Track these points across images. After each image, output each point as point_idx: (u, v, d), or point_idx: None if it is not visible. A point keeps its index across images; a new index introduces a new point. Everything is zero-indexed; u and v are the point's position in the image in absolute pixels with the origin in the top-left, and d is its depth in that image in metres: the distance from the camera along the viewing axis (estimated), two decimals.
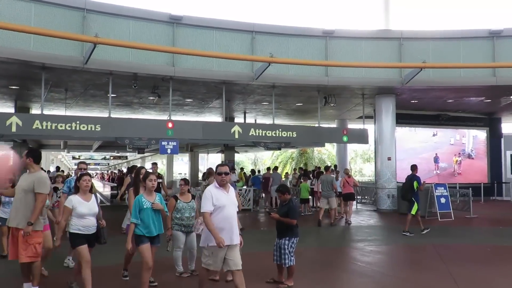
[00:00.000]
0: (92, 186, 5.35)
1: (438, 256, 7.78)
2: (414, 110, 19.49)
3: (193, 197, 6.39)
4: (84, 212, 5.06)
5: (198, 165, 28.96)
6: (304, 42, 13.91)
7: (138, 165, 12.24)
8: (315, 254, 8.19)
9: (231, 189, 4.77)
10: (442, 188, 13.64)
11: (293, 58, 13.28)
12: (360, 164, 37.89)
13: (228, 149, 22.67)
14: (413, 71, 13.27)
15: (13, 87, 14.22)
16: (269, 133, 14.02)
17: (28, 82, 13.46)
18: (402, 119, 19.41)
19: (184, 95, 15.85)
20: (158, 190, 11.29)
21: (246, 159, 54.24)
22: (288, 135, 14.30)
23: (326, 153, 30.62)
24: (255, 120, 21.80)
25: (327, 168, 14.47)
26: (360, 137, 15.68)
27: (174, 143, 12.98)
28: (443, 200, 13.39)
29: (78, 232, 5.04)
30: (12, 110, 17.39)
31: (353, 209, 14.32)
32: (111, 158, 51.36)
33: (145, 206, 5.08)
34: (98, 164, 65.23)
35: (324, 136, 15.26)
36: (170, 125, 12.84)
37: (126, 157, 51.75)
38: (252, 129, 13.83)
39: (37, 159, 5.23)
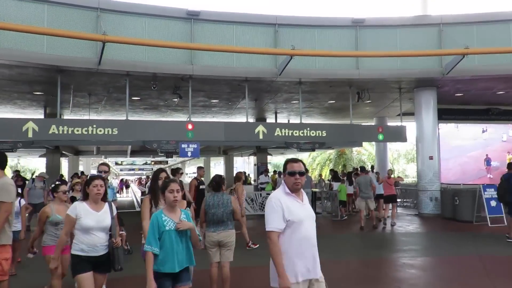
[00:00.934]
0: (105, 194, 4.24)
1: (483, 271, 6.58)
2: (459, 104, 17.85)
3: (189, 204, 5.61)
4: (90, 225, 3.96)
5: (233, 168, 28.32)
6: (332, 33, 12.88)
7: (175, 169, 11.62)
8: (336, 267, 7.19)
9: (305, 196, 3.38)
10: (492, 189, 12.11)
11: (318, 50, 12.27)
12: (403, 164, 35.87)
13: (260, 151, 21.88)
14: (455, 59, 11.89)
15: (37, 93, 14.13)
16: (296, 133, 13.09)
17: (50, 87, 13.28)
18: (447, 115, 17.87)
19: (209, 96, 15.23)
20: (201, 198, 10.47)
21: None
22: (318, 134, 13.30)
23: (366, 153, 29.11)
24: (288, 121, 20.90)
25: (363, 169, 13.48)
26: (397, 134, 14.39)
27: (195, 146, 12.35)
28: (493, 203, 11.88)
29: (79, 254, 3.93)
30: (42, 117, 17.49)
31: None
32: (152, 163, 51.97)
33: (167, 228, 3.51)
34: (142, 169, 66.37)
35: (357, 134, 14.09)
36: (190, 126, 12.22)
37: (166, 162, 52.30)
38: (278, 129, 12.96)
39: (1, 164, 4.61)
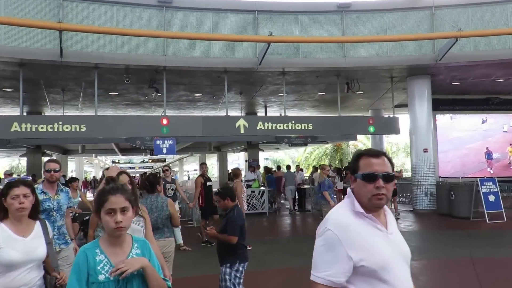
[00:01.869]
0: (36, 208, 2.90)
1: (474, 277, 5.76)
2: (457, 94, 16.96)
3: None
4: (15, 258, 2.61)
5: (227, 165, 27.52)
6: (316, 19, 12.03)
7: (159, 168, 10.89)
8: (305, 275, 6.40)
9: (391, 217, 1.91)
10: (491, 183, 11.28)
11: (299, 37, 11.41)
12: (403, 158, 34.96)
13: (251, 146, 21.07)
14: (448, 44, 11.02)
15: (7, 90, 13.38)
16: (280, 126, 12.29)
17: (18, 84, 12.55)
18: (444, 105, 17.06)
19: (190, 89, 14.43)
20: (209, 196, 9.29)
21: (286, 157, 52.14)
22: (304, 128, 12.50)
23: (363, 147, 28.20)
24: (280, 115, 20.08)
25: None
26: (389, 126, 13.54)
27: (171, 142, 11.57)
28: (492, 197, 11.04)
29: None
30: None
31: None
32: (150, 161, 51.25)
33: (100, 277, 1.95)
34: (142, 167, 65.25)
35: (346, 127, 13.24)
36: (164, 121, 11.44)
37: (164, 160, 51.55)
38: (260, 123, 12.16)
39: None
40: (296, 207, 15.16)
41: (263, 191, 13.83)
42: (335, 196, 10.04)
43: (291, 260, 7.08)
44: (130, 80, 11.99)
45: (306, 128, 12.49)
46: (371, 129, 13.11)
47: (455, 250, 7.75)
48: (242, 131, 11.94)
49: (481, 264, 6.50)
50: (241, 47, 11.65)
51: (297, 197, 15.23)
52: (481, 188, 11.09)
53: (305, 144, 15.13)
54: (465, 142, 17.68)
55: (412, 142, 13.61)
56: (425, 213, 12.78)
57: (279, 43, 11.56)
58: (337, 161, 27.38)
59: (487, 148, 17.60)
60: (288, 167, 16.20)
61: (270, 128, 12.18)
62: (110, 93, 14.41)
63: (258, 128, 12.08)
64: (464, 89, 16.18)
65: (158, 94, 12.89)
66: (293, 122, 12.42)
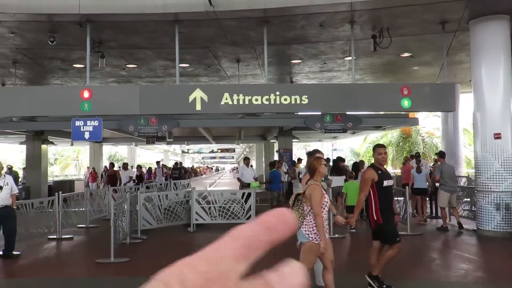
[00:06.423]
0: None
1: None
2: None
3: None
4: None
5: (273, 157, 23.42)
6: None
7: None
8: None
9: None
10: None
11: None
12: None
13: (283, 134, 17.06)
14: None
15: None
16: (257, 100, 8.28)
17: None
18: None
19: (164, 57, 10.98)
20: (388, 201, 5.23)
21: (348, 149, 43.73)
22: (294, 101, 8.33)
23: (441, 135, 22.34)
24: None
25: (442, 154, 10.04)
26: (438, 99, 8.68)
27: (96, 123, 8.28)
28: None
29: None
30: None
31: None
32: (219, 150, 48.92)
33: None
34: (214, 157, 61.03)
35: (362, 100, 8.65)
36: (86, 94, 8.14)
37: (234, 150, 48.76)
38: (227, 95, 8.27)
39: None
40: None
41: (249, 194, 9.76)
42: None
43: None
44: (55, 41, 8.94)
45: (298, 102, 8.31)
46: (406, 103, 8.45)
47: None
48: (198, 107, 8.21)
49: None
50: None
51: None
52: None
53: (344, 131, 10.81)
54: None
55: (477, 124, 8.62)
56: (493, 238, 7.88)
57: None
58: (405, 152, 21.93)
59: None
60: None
61: (241, 102, 8.24)
62: (74, 65, 11.62)
63: (223, 102, 8.23)
64: None
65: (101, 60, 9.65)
66: (277, 93, 8.32)
